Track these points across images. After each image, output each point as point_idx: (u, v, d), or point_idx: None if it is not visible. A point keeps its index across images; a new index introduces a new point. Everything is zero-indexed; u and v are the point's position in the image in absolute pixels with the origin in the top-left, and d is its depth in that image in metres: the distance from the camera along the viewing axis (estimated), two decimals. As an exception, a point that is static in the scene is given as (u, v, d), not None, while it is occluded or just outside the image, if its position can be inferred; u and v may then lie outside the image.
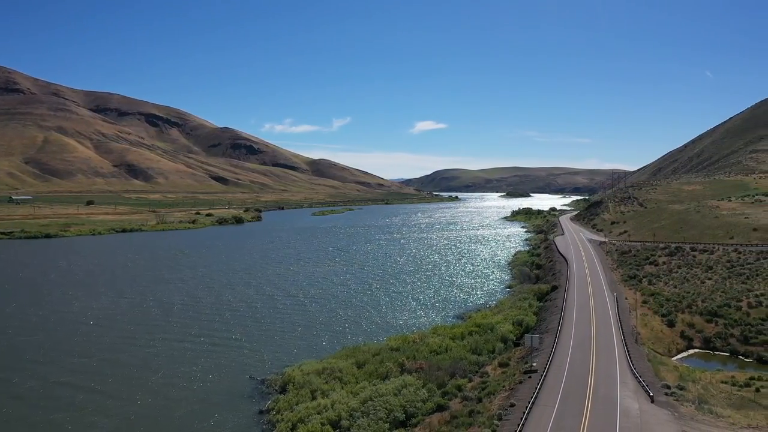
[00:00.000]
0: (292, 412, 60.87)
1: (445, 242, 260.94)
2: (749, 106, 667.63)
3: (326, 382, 68.67)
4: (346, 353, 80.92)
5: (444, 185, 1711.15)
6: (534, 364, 68.27)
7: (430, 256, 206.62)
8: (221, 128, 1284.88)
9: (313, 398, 64.17)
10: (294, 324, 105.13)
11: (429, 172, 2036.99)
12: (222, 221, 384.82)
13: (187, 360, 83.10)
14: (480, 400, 60.32)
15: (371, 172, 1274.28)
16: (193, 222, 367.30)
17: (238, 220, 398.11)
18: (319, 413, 58.99)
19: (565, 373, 63.38)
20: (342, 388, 67.12)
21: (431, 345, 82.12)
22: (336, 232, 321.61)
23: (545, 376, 62.48)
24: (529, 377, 63.94)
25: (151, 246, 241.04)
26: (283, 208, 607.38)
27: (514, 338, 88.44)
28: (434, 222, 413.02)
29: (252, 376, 75.63)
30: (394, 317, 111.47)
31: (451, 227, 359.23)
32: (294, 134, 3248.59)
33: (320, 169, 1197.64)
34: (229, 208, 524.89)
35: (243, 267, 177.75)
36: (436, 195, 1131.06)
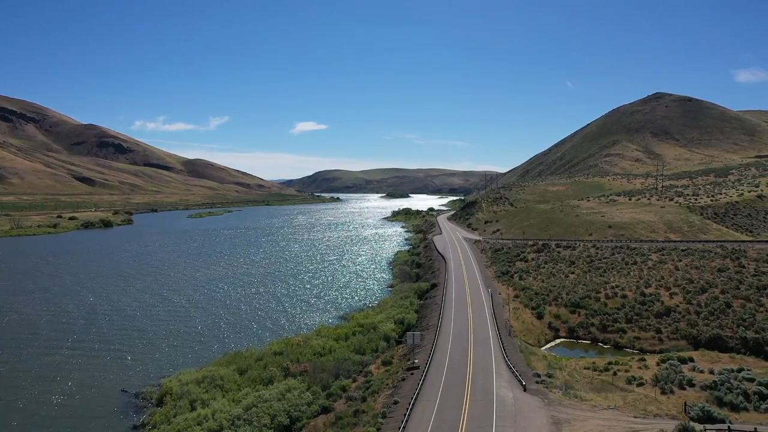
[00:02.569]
0: (169, 424, 57.96)
1: (328, 243, 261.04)
2: (603, 114, 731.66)
3: (206, 391, 66.08)
4: (227, 360, 78.42)
5: (325, 186, 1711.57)
6: (416, 361, 70.13)
7: (313, 258, 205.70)
8: (85, 125, 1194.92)
9: (193, 409, 61.48)
10: (173, 332, 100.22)
11: (310, 173, 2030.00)
12: (88, 225, 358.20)
13: (58, 376, 76.72)
14: (364, 400, 60.93)
15: (251, 173, 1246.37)
16: (54, 226, 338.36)
17: (106, 224, 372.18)
18: (199, 424, 56.62)
19: (445, 368, 65.68)
20: (223, 396, 64.95)
21: (315, 347, 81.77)
22: (216, 234, 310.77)
23: (427, 371, 64.37)
24: (412, 374, 65.58)
25: (4, 254, 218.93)
26: (156, 211, 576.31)
27: (397, 336, 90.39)
28: (316, 223, 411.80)
29: (126, 390, 71.14)
30: (278, 320, 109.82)
31: (333, 228, 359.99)
32: (168, 133, 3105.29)
33: (197, 169, 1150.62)
34: (95, 210, 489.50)
35: (115, 273, 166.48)
36: (317, 196, 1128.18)
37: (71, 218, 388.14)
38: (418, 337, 79.59)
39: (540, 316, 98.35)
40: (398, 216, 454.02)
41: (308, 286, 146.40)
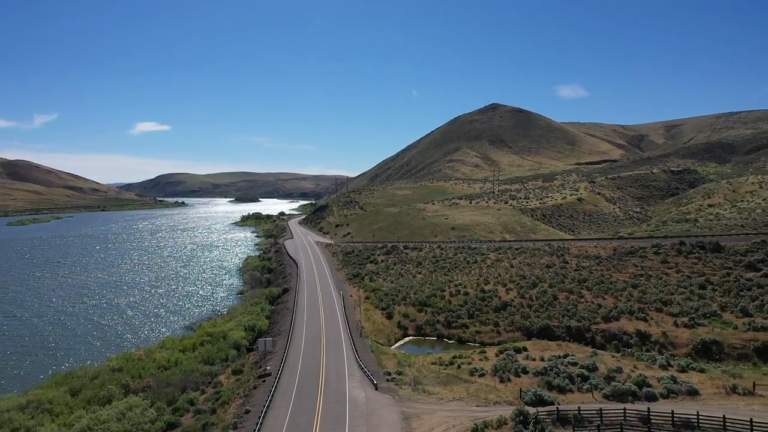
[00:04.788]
0: (-14, 459, 51.37)
1: (173, 251, 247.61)
2: (446, 122, 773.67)
3: (32, 417, 59.46)
4: (57, 380, 71.19)
5: (169, 190, 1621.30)
6: (268, 368, 68.83)
7: (157, 266, 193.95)
8: None
9: (15, 438, 55.00)
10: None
11: (152, 176, 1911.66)
12: None
13: None
14: (214, 412, 58.62)
15: (84, 176, 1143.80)
16: None
17: None
18: (23, 455, 50.78)
19: (298, 373, 65.20)
20: (53, 421, 58.88)
21: (159, 360, 77.11)
22: (42, 243, 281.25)
23: (279, 378, 63.45)
24: (264, 381, 64.26)
25: None
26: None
27: (248, 344, 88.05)
28: (160, 229, 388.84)
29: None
30: (117, 334, 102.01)
31: (178, 234, 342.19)
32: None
33: (18, 171, 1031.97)
34: None
35: None
36: (160, 201, 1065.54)
37: None
38: (269, 343, 78.16)
39: (390, 316, 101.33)
40: (248, 221, 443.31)
41: (152, 296, 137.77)
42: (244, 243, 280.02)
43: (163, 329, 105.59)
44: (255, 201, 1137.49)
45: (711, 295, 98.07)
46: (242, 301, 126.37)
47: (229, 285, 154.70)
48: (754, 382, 59.33)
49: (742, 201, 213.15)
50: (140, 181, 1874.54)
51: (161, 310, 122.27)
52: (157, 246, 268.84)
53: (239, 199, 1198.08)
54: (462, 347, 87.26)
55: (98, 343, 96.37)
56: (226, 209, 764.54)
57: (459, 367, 68.42)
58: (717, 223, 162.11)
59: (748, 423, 45.55)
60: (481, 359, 71.73)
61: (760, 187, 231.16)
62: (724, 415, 47.18)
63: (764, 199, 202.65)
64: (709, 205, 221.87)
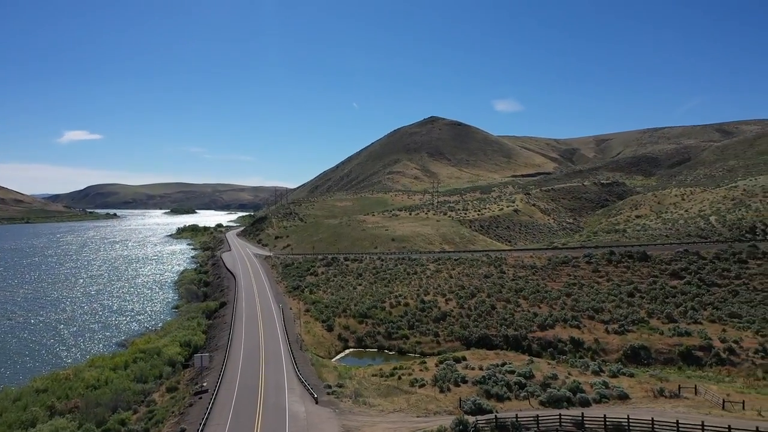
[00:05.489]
0: None
1: (103, 264, 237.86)
2: (386, 134, 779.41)
3: (-54, 445, 55.58)
4: (-26, 404, 66.77)
5: (100, 201, 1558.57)
6: (204, 384, 66.94)
7: (86, 281, 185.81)
8: None
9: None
10: None
11: (81, 187, 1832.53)
12: None
13: None
14: (147, 431, 56.41)
15: (6, 186, 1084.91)
16: None
17: None
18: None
19: (236, 388, 63.67)
20: (-31, 447, 55.19)
21: (88, 379, 73.59)
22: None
23: (216, 394, 61.78)
24: (200, 398, 62.40)
25: None
26: None
27: (183, 360, 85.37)
28: (90, 242, 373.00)
29: None
30: (43, 353, 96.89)
31: (109, 247, 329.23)
32: None
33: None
34: None
35: None
36: (90, 212, 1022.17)
37: None
38: (206, 358, 75.93)
39: (330, 329, 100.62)
40: (184, 233, 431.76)
41: (80, 312, 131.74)
42: (180, 256, 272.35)
43: (94, 347, 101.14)
44: (191, 213, 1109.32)
45: (639, 302, 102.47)
46: (178, 315, 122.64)
47: (164, 299, 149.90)
48: (679, 385, 62.18)
49: (666, 212, 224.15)
50: (69, 192, 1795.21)
51: (91, 327, 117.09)
52: (87, 260, 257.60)
53: (175, 211, 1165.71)
54: (403, 358, 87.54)
55: (25, 363, 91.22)
56: (161, 221, 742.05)
57: (400, 378, 68.56)
58: (644, 234, 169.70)
59: (675, 424, 47.66)
60: (421, 370, 72.13)
61: (683, 199, 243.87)
62: (652, 418, 49.20)
63: (686, 211, 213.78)
64: (637, 216, 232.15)
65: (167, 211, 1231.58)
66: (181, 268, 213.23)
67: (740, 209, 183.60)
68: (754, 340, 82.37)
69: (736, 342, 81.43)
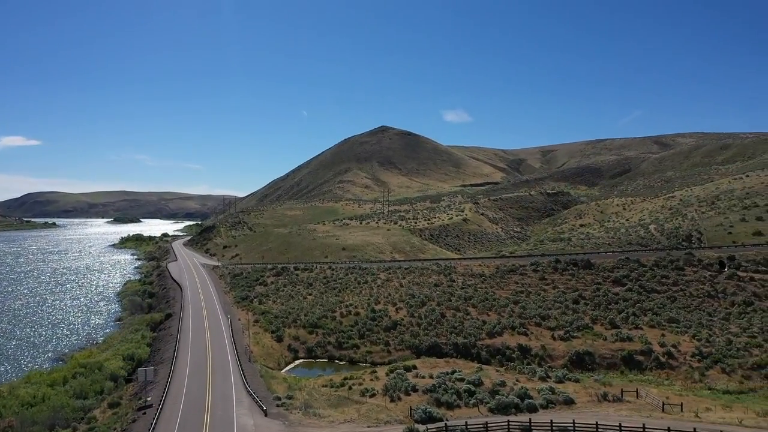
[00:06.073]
0: None
1: (42, 275, 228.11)
2: (336, 143, 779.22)
3: None
4: None
5: (38, 210, 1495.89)
6: (149, 399, 64.96)
7: (23, 293, 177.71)
8: None
9: None
10: None
11: (17, 195, 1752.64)
12: None
13: None
14: (87, 450, 54.24)
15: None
16: None
17: None
18: None
19: (182, 403, 62.01)
20: None
21: (24, 397, 70.18)
22: None
23: (161, 408, 60.00)
24: (144, 413, 60.49)
25: None
26: None
27: (126, 374, 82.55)
28: (27, 253, 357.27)
29: None
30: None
31: (49, 258, 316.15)
32: None
33: None
34: None
35: None
36: (27, 221, 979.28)
37: None
38: (150, 372, 73.66)
39: (280, 339, 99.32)
40: (128, 243, 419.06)
41: (15, 326, 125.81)
42: (124, 266, 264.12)
43: (31, 362, 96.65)
44: (136, 222, 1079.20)
45: (583, 308, 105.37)
46: (121, 328, 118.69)
47: (106, 311, 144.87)
48: (621, 389, 64.19)
49: (608, 221, 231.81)
50: (4, 199, 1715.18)
51: (29, 341, 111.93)
52: (24, 271, 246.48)
53: (118, 220, 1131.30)
54: (353, 368, 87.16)
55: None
56: (103, 230, 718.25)
57: (350, 388, 68.24)
58: (588, 242, 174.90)
59: (618, 428, 49.10)
60: (372, 379, 72.01)
61: (624, 209, 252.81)
62: (597, 422, 50.55)
63: (627, 220, 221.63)
64: (581, 225, 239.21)
65: (110, 220, 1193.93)
66: (125, 279, 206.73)
67: (677, 218, 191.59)
68: (690, 344, 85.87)
69: (674, 346, 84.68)
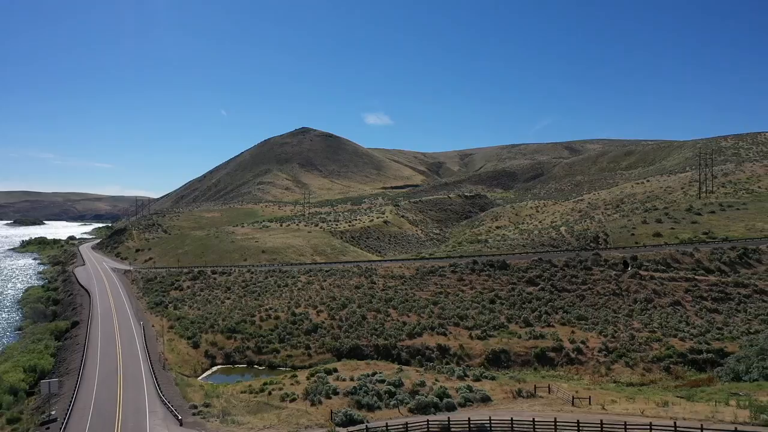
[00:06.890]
0: None
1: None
2: (256, 144, 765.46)
3: None
4: None
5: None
6: (53, 412, 61.18)
7: None
8: None
9: None
10: None
11: None
12: None
13: None
14: (-18, 470, 50.41)
15: None
16: None
17: None
18: None
19: (90, 416, 58.82)
20: None
21: None
22: None
23: (66, 423, 56.66)
24: (47, 428, 56.94)
25: None
26: None
27: (28, 387, 77.36)
28: None
29: None
30: None
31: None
32: None
33: None
34: None
35: None
36: None
37: None
38: (54, 384, 69.37)
39: (196, 345, 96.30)
40: (30, 246, 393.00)
41: None
42: (25, 272, 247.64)
43: None
44: (39, 224, 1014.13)
45: (500, 308, 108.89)
46: (21, 338, 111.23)
47: (6, 320, 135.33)
48: (535, 385, 66.76)
49: (523, 223, 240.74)
50: None
51: None
52: None
53: (20, 222, 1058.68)
54: (273, 373, 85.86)
55: None
56: (3, 233, 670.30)
57: (270, 393, 67.13)
58: (503, 244, 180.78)
59: (531, 423, 51.08)
60: (292, 384, 71.18)
61: (537, 211, 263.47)
62: (512, 418, 52.32)
63: (540, 222, 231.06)
64: (497, 227, 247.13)
65: (10, 222, 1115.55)
66: (27, 285, 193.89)
67: (585, 220, 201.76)
68: (597, 340, 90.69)
69: (583, 342, 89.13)
